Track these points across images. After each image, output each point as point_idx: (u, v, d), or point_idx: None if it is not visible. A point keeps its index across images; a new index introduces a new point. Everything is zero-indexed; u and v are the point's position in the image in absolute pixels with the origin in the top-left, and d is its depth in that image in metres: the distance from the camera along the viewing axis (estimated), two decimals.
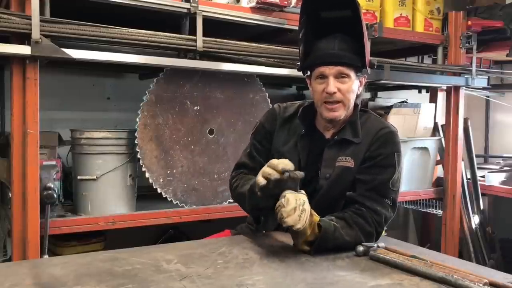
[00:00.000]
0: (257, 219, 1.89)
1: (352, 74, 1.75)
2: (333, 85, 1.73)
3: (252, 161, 1.91)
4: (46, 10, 2.14)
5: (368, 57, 1.78)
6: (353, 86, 1.77)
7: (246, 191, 1.72)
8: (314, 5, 1.79)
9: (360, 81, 1.82)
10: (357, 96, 1.83)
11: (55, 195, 2.21)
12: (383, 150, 1.76)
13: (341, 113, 1.77)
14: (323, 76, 1.75)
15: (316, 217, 1.60)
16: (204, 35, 2.43)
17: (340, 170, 1.77)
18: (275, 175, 1.53)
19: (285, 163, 1.55)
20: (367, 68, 1.80)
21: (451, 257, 1.86)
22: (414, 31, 3.26)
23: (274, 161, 1.57)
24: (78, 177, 2.48)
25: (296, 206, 1.50)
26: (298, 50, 1.87)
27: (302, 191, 1.58)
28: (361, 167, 1.76)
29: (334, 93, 1.73)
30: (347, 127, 1.82)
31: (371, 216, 1.69)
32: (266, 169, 1.56)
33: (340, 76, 1.74)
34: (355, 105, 1.84)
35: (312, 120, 1.88)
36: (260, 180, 1.55)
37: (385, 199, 1.73)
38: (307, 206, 1.54)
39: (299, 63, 1.88)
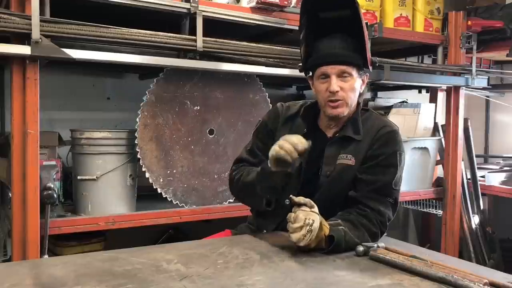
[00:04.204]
0: (268, 202, 1.80)
1: (354, 72, 1.76)
2: (335, 84, 1.73)
3: (253, 157, 1.91)
4: (46, 10, 2.14)
5: (369, 55, 1.79)
6: (355, 85, 1.77)
7: (254, 176, 1.73)
8: (313, 5, 1.79)
9: (362, 80, 1.82)
10: (360, 95, 1.83)
11: (55, 195, 2.21)
12: (385, 149, 1.77)
13: (344, 110, 1.78)
14: (326, 76, 1.76)
15: (326, 229, 1.57)
16: (204, 35, 2.43)
17: (341, 168, 1.77)
18: (294, 154, 1.57)
19: (303, 143, 1.57)
20: (369, 66, 1.81)
21: (451, 257, 1.86)
22: (414, 31, 3.26)
23: (293, 139, 1.58)
24: (78, 177, 2.48)
25: (303, 225, 1.50)
26: (298, 50, 1.87)
27: (315, 209, 1.56)
28: (363, 166, 1.77)
29: (337, 91, 1.74)
30: (349, 124, 1.82)
31: (375, 217, 1.70)
32: (286, 144, 1.57)
33: (342, 75, 1.75)
34: (357, 103, 1.84)
35: (314, 119, 1.89)
36: (278, 149, 1.58)
37: (388, 198, 1.74)
38: (315, 226, 1.51)
39: (300, 64, 1.88)
